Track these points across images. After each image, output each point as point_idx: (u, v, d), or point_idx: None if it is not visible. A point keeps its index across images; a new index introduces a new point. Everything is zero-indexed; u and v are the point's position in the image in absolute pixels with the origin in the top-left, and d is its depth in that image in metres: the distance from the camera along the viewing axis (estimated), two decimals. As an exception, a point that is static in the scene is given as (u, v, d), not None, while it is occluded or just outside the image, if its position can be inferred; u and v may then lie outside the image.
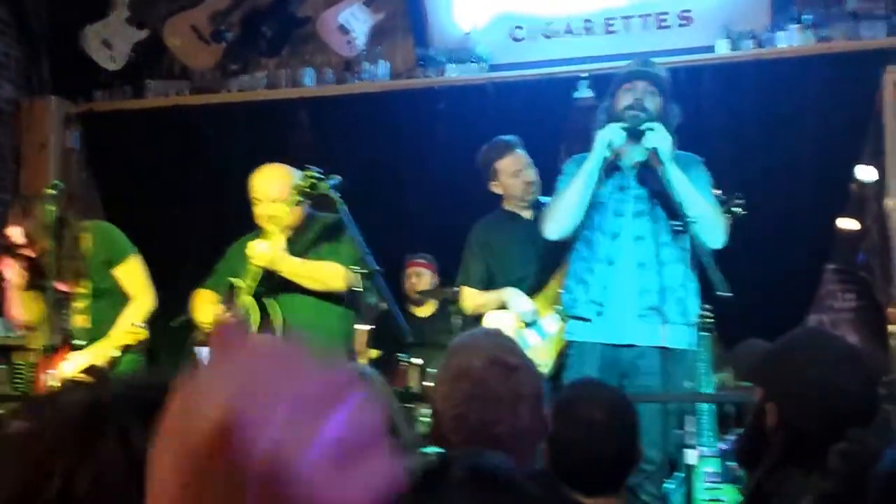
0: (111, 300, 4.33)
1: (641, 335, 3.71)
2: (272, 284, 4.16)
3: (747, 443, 2.13)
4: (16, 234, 4.19)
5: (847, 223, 5.60)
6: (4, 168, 6.47)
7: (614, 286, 3.75)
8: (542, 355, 4.16)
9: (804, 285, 5.32)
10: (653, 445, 3.47)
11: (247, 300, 4.16)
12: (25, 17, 6.57)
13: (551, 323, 4.24)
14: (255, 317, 4.15)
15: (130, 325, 4.28)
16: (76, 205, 4.54)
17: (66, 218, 4.27)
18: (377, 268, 3.94)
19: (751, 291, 5.01)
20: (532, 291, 4.34)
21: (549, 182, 5.67)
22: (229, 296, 4.21)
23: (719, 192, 4.02)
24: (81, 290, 4.28)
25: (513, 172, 4.51)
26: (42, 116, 6.53)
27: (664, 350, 3.70)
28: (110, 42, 6.41)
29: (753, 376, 2.15)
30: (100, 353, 4.21)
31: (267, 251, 4.06)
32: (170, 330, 5.35)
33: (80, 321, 4.25)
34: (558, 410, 2.21)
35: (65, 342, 4.21)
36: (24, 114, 6.55)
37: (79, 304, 4.28)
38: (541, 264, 4.34)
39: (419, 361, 5.00)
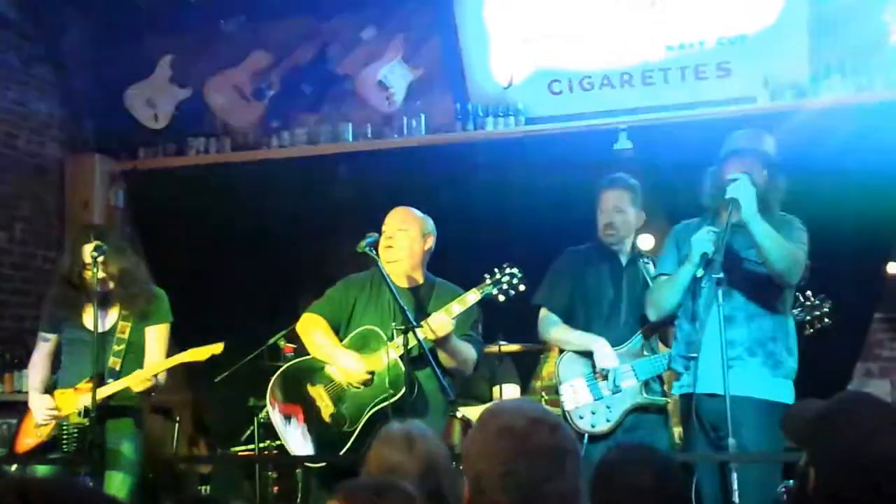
0: (138, 356, 4.36)
1: (730, 386, 3.69)
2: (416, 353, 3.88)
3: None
4: (86, 252, 4.25)
5: (894, 270, 5.54)
6: (49, 225, 6.57)
7: (699, 341, 3.79)
8: (612, 409, 4.21)
9: (852, 334, 5.26)
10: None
11: (388, 359, 3.88)
12: (70, 78, 6.71)
13: (628, 378, 4.24)
14: (392, 384, 3.87)
15: (146, 375, 4.23)
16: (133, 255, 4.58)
17: (127, 257, 4.36)
18: (414, 324, 3.83)
19: (799, 340, 4.97)
20: (616, 341, 4.29)
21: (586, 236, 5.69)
22: (367, 343, 3.97)
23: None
24: (122, 335, 4.33)
25: (602, 208, 4.47)
26: (86, 174, 6.63)
27: (758, 403, 3.71)
28: (154, 101, 6.53)
29: (798, 439, 2.12)
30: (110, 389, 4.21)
31: (445, 328, 3.84)
32: (213, 385, 5.39)
33: (112, 362, 4.29)
34: (603, 474, 2.18)
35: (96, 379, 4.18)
36: (69, 172, 6.67)
37: (117, 347, 4.33)
38: (631, 316, 4.33)
39: (461, 415, 4.98)
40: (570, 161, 5.79)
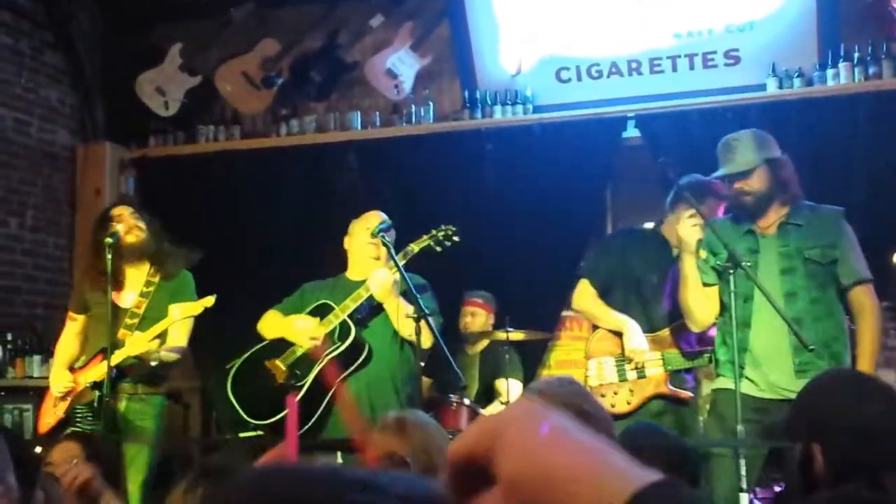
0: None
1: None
2: (365, 313, 4.37)
3: (798, 491, 2.08)
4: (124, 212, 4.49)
5: (900, 260, 5.51)
6: (60, 213, 6.61)
7: (757, 348, 3.73)
8: (634, 393, 4.25)
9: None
10: None
11: (337, 318, 4.30)
12: (80, 65, 6.74)
13: (655, 366, 4.26)
14: (341, 336, 4.31)
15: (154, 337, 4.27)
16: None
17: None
18: (426, 311, 4.02)
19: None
20: (650, 327, 4.33)
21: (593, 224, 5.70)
22: (321, 314, 4.36)
23: None
24: (136, 310, 4.38)
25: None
26: (97, 162, 6.67)
27: None
28: (164, 89, 6.55)
29: (789, 429, 2.09)
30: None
31: (385, 281, 4.22)
32: (221, 372, 5.41)
33: (122, 335, 4.32)
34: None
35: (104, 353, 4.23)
36: (80, 159, 6.71)
37: (129, 321, 4.37)
38: (672, 306, 4.30)
39: (468, 402, 5.00)
40: (579, 149, 5.80)
